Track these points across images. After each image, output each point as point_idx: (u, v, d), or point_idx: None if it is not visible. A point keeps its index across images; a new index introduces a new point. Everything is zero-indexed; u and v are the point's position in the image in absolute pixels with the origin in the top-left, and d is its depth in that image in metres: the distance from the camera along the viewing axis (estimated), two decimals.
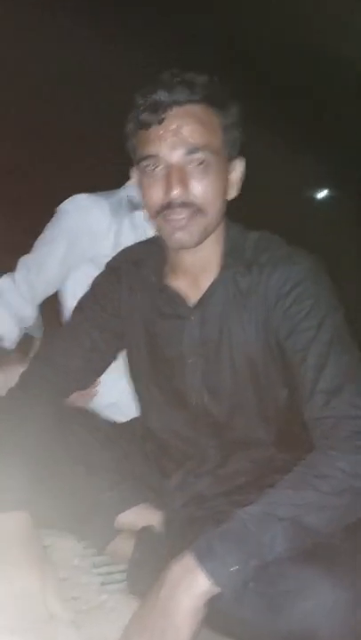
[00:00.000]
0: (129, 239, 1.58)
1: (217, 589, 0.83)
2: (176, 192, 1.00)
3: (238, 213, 1.16)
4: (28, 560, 0.94)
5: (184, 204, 1.01)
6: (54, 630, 0.94)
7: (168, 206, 1.02)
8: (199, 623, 0.84)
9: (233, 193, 1.12)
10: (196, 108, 1.02)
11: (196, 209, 1.03)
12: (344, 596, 0.82)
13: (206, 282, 1.13)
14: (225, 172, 1.07)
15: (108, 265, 1.30)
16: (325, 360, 0.99)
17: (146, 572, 1.02)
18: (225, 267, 1.11)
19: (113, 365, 1.33)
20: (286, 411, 1.14)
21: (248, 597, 0.85)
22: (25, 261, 1.66)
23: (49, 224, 1.63)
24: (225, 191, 1.08)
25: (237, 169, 1.11)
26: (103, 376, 1.35)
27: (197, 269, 1.13)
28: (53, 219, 1.62)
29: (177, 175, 1.01)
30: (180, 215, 1.02)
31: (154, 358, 1.21)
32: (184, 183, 1.01)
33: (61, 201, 1.64)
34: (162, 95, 1.00)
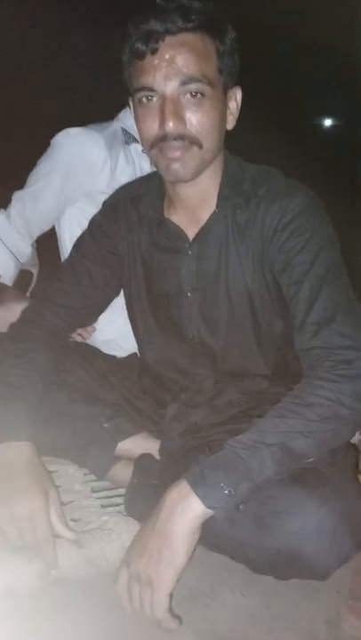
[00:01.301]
0: (124, 173, 1.57)
1: (210, 512, 0.88)
2: (171, 124, 0.98)
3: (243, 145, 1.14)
4: (33, 484, 1.00)
5: (179, 137, 1.00)
6: (58, 548, 1.00)
7: (163, 139, 1.00)
8: (194, 544, 0.90)
9: (231, 123, 1.10)
10: (191, 37, 0.98)
11: (191, 141, 1.01)
12: (329, 515, 0.88)
13: (205, 215, 1.13)
14: (222, 102, 1.05)
15: (106, 203, 1.29)
16: (318, 293, 1.01)
17: (142, 496, 1.08)
18: (223, 199, 1.11)
19: (112, 303, 1.34)
20: (282, 343, 1.16)
21: (240, 518, 0.91)
22: (20, 196, 1.64)
23: (43, 157, 1.60)
24: (222, 122, 1.06)
25: (235, 98, 1.09)
26: (103, 313, 1.37)
27: (195, 202, 1.13)
28: (47, 152, 1.59)
29: (171, 107, 0.98)
30: (175, 147, 1.01)
31: (151, 293, 1.23)
32: (179, 115, 0.99)
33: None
34: (154, 25, 0.97)
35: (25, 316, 1.26)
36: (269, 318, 1.14)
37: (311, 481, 0.92)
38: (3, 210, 1.66)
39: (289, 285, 1.05)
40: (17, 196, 1.64)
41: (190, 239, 1.14)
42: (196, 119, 1.00)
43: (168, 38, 0.97)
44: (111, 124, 1.63)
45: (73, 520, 1.12)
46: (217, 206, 1.12)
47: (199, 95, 0.99)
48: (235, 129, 1.11)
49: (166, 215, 1.17)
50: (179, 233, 1.15)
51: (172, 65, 0.97)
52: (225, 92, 1.05)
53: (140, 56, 0.99)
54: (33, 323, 1.23)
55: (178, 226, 1.15)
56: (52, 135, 1.58)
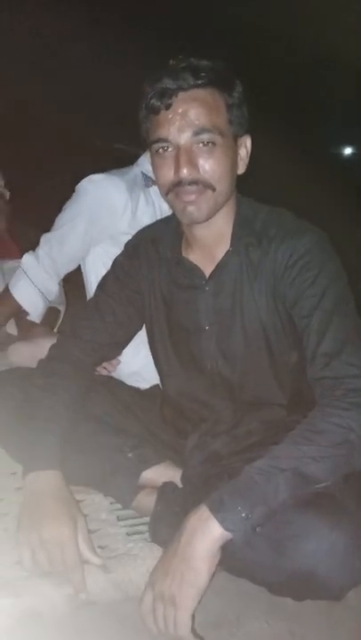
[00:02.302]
0: (145, 215, 1.65)
1: (228, 535, 0.93)
2: (185, 171, 1.06)
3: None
4: (62, 512, 1.05)
5: (193, 181, 1.08)
6: (86, 573, 1.05)
7: (178, 184, 1.08)
8: (214, 566, 0.94)
9: (242, 168, 1.17)
10: (201, 92, 1.07)
11: (204, 185, 1.09)
12: (340, 538, 0.92)
13: (220, 254, 1.19)
14: (233, 150, 1.12)
15: (128, 244, 1.37)
16: (327, 325, 1.06)
17: (166, 523, 1.12)
18: (236, 238, 1.18)
19: (135, 338, 1.41)
20: (297, 373, 1.20)
21: (257, 541, 0.95)
22: (47, 238, 1.74)
23: (68, 202, 1.70)
24: (233, 167, 1.13)
25: (245, 145, 1.16)
26: (126, 347, 1.43)
27: (211, 242, 1.20)
28: (73, 197, 1.69)
29: (185, 156, 1.07)
30: (189, 191, 1.08)
31: (172, 328, 1.29)
32: (192, 163, 1.07)
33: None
34: (168, 82, 1.05)
35: (53, 352, 1.32)
36: (284, 350, 1.19)
37: (324, 506, 0.96)
38: (32, 251, 1.77)
39: (300, 318, 1.10)
40: (45, 239, 1.74)
41: (207, 276, 1.20)
42: (208, 165, 1.08)
43: (180, 94, 1.06)
44: (132, 168, 1.71)
45: (100, 547, 1.16)
46: (231, 245, 1.18)
47: (210, 144, 1.07)
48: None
49: (184, 255, 1.24)
50: (196, 271, 1.21)
51: (185, 118, 1.06)
52: (235, 141, 1.13)
53: (156, 111, 1.07)
54: (60, 359, 1.29)
55: (195, 264, 1.21)
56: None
